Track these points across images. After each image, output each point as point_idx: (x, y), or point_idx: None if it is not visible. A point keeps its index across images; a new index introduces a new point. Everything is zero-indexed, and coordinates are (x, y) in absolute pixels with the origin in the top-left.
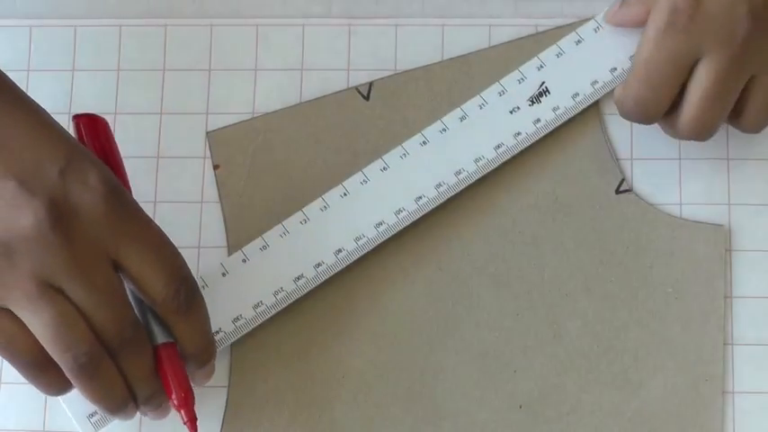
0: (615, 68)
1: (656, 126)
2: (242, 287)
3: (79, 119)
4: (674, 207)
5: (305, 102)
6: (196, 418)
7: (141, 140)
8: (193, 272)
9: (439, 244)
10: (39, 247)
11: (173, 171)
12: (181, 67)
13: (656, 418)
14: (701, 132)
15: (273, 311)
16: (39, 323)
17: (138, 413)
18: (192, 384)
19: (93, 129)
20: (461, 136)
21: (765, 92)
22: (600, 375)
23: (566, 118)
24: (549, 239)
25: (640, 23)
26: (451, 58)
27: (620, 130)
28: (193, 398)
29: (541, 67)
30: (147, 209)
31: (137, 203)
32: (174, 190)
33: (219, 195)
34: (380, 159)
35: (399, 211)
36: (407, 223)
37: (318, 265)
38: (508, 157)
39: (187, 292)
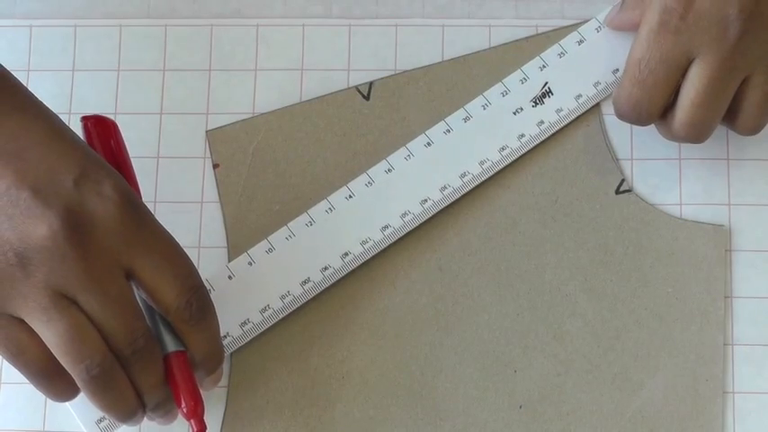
0: (617, 69)
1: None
2: (249, 291)
3: (87, 120)
4: (674, 207)
5: (305, 101)
6: (206, 428)
7: (141, 140)
8: None
9: (439, 244)
10: (53, 258)
11: (173, 171)
12: (181, 67)
13: (656, 418)
14: (696, 134)
15: (281, 315)
16: (52, 334)
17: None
18: (200, 390)
19: (102, 131)
20: (465, 137)
21: (760, 92)
22: (600, 375)
23: (568, 120)
24: (550, 240)
25: (638, 27)
26: (451, 59)
27: (620, 130)
28: (203, 407)
29: (544, 66)
30: None
31: (150, 212)
32: (174, 190)
33: (219, 194)
34: (385, 161)
35: (405, 215)
36: (413, 226)
37: (325, 268)
38: (512, 159)
39: (199, 301)
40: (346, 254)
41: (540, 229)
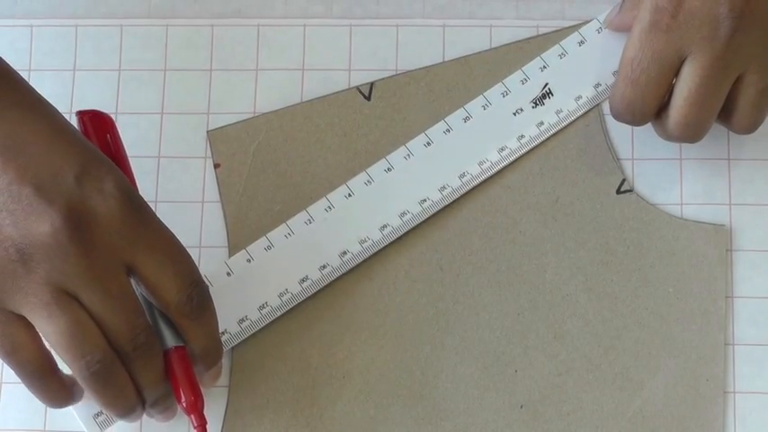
0: (617, 71)
1: None
2: (247, 288)
3: (83, 115)
4: (674, 207)
5: (306, 101)
6: (206, 422)
7: (142, 140)
8: None
9: (440, 244)
10: (55, 254)
11: (173, 171)
12: (182, 66)
13: (656, 418)
14: (691, 133)
15: (279, 313)
16: (53, 329)
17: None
18: (201, 387)
19: (98, 125)
20: (465, 137)
21: (753, 90)
22: (600, 375)
23: (567, 121)
24: (550, 239)
25: None
26: (452, 59)
27: (621, 130)
28: (203, 402)
29: (544, 67)
30: None
31: (150, 209)
32: (174, 190)
33: (220, 194)
34: (385, 160)
35: (404, 214)
36: (411, 226)
37: (324, 267)
38: (511, 160)
39: (199, 296)
40: (345, 252)
41: (541, 229)
